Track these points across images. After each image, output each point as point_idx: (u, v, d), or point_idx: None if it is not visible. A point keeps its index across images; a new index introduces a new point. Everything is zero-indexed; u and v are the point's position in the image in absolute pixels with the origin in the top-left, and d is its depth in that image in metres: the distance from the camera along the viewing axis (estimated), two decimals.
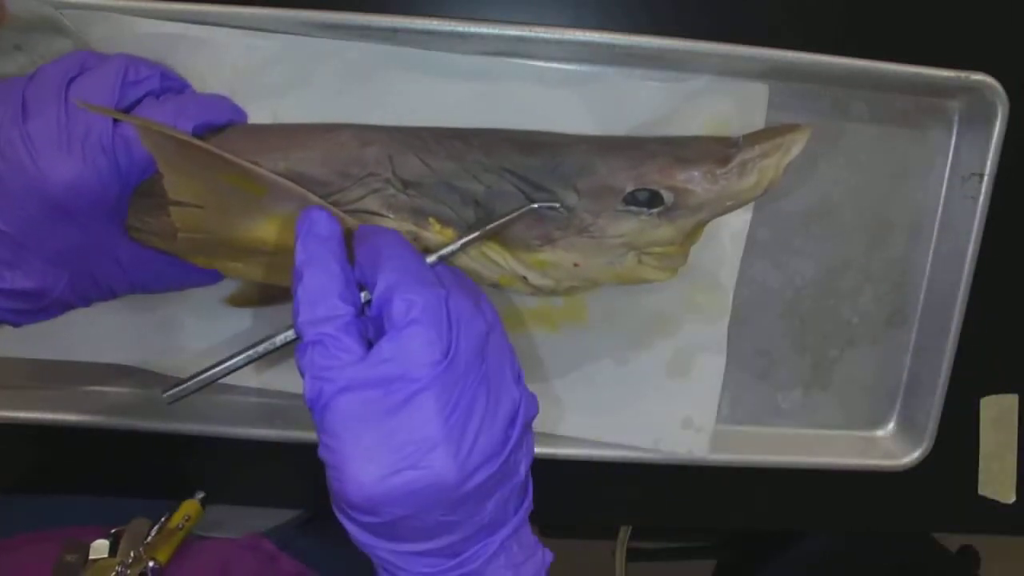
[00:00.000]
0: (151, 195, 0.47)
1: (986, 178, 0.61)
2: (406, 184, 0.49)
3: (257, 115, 0.55)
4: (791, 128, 0.49)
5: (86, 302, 0.51)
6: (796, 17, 0.61)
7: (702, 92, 0.57)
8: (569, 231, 0.49)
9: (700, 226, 0.52)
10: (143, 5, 0.53)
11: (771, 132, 0.50)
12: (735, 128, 0.57)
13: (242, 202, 0.47)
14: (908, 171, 0.64)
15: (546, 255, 0.50)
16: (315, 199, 0.47)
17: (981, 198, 0.61)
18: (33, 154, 0.43)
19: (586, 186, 0.49)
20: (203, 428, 0.63)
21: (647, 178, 0.48)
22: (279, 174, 0.47)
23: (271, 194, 0.47)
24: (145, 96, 0.48)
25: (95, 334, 0.59)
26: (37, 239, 0.46)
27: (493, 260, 0.50)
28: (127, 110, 0.47)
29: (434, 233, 0.49)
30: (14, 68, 0.53)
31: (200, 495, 0.62)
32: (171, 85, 0.51)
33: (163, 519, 0.59)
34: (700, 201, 0.49)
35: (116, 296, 0.52)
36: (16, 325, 0.49)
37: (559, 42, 0.56)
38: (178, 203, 0.47)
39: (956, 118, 0.63)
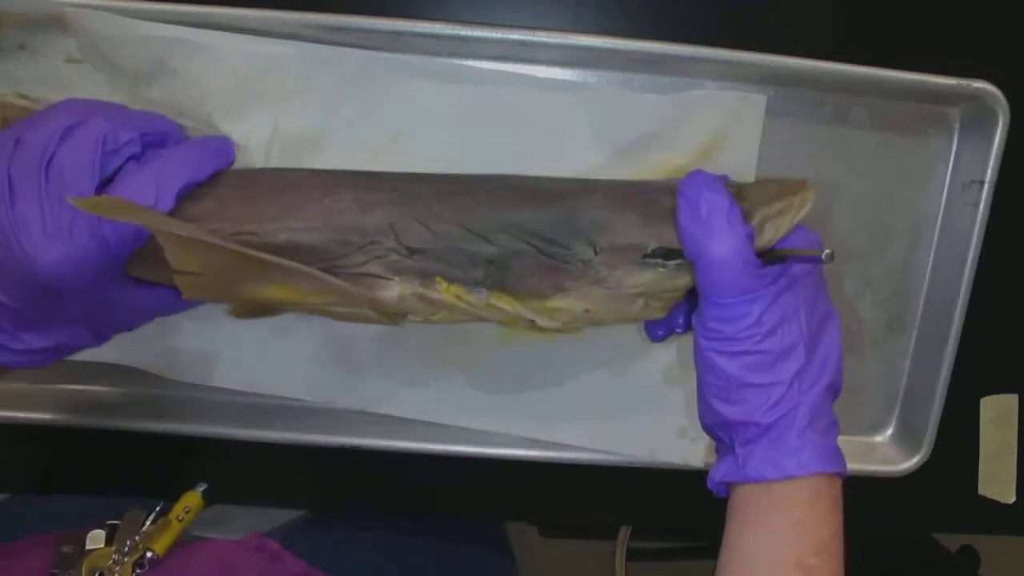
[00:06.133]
0: (152, 255, 0.46)
1: (987, 185, 0.61)
2: (412, 251, 0.49)
3: (258, 124, 0.55)
4: (799, 186, 0.50)
5: (104, 340, 0.52)
6: (798, 24, 0.61)
7: (699, 102, 0.57)
8: (583, 282, 0.49)
9: None
10: (146, 7, 0.53)
11: (779, 187, 0.51)
12: (732, 138, 0.57)
13: (245, 272, 0.47)
14: (909, 178, 0.64)
15: (557, 303, 0.50)
16: (319, 274, 0.47)
17: (981, 205, 0.61)
18: (22, 240, 0.43)
19: (606, 243, 0.49)
20: (203, 428, 0.63)
21: (667, 238, 0.49)
22: (278, 245, 0.47)
23: (274, 270, 0.47)
24: (128, 161, 0.47)
25: None
26: (43, 312, 0.46)
27: (501, 309, 0.50)
28: (111, 177, 0.46)
29: (441, 292, 0.49)
30: (17, 67, 0.54)
31: (202, 487, 0.62)
32: (152, 140, 0.49)
33: (158, 508, 0.59)
34: None
35: (133, 329, 0.53)
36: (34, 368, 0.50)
37: (560, 46, 0.56)
38: (181, 272, 0.46)
39: (957, 125, 0.63)
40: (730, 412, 0.48)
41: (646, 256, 0.49)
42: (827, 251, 0.46)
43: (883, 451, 0.69)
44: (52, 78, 0.54)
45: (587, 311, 0.50)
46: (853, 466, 0.67)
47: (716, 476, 0.51)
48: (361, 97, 0.56)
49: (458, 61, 0.58)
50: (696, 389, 0.52)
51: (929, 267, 0.66)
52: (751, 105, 0.58)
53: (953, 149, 0.63)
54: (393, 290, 0.49)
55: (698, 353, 0.49)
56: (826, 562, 0.47)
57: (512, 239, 0.49)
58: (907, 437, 0.69)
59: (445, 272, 0.49)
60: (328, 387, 0.63)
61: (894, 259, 0.66)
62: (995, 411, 0.71)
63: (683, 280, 0.50)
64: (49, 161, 0.44)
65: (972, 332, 0.64)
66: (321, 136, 0.56)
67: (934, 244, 0.65)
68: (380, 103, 0.56)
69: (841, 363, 0.51)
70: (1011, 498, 0.73)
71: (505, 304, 0.50)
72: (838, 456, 0.49)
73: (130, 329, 0.52)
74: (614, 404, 0.64)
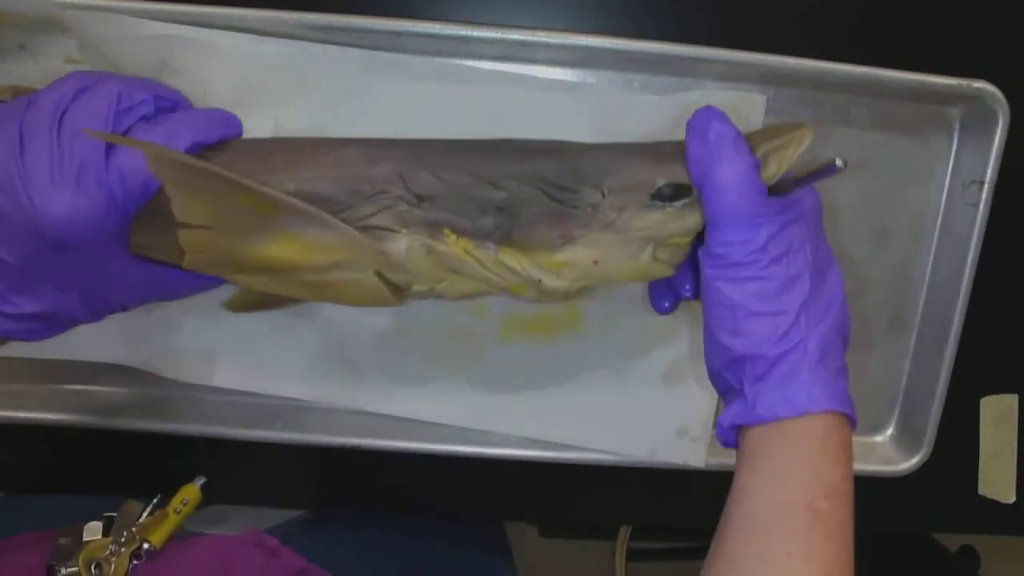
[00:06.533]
0: (157, 215, 0.47)
1: (986, 185, 0.61)
2: (420, 198, 0.49)
3: (260, 122, 0.55)
4: (796, 125, 0.50)
5: (98, 318, 0.51)
6: (798, 24, 0.61)
7: (699, 102, 0.57)
8: (592, 227, 0.49)
9: None
10: (147, 6, 0.53)
11: (779, 129, 0.50)
12: None
13: (252, 221, 0.47)
14: (909, 178, 0.64)
15: (566, 255, 0.50)
16: (329, 218, 0.47)
17: (981, 205, 0.61)
18: (29, 191, 0.43)
19: (614, 183, 0.49)
20: (203, 428, 0.63)
21: (676, 172, 0.49)
22: (288, 194, 0.47)
23: (284, 214, 0.47)
24: (139, 121, 0.48)
25: (95, 334, 0.60)
26: (41, 269, 0.46)
27: (509, 267, 0.50)
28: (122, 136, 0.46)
29: (450, 244, 0.49)
30: (17, 67, 0.54)
31: (200, 480, 0.62)
32: (164, 105, 0.50)
33: (155, 500, 0.59)
34: None
35: (128, 310, 0.53)
36: (30, 340, 0.50)
37: (560, 46, 0.56)
38: (186, 225, 0.47)
39: (957, 125, 0.63)
40: (738, 345, 0.48)
41: (653, 195, 0.49)
42: (839, 160, 0.46)
43: (883, 451, 0.69)
44: (52, 78, 0.54)
45: (596, 262, 0.50)
46: (853, 466, 0.67)
47: (726, 420, 0.50)
48: (361, 96, 0.56)
49: (458, 61, 0.58)
50: (704, 339, 0.51)
51: (929, 267, 0.66)
52: (751, 105, 0.58)
53: (953, 149, 0.63)
54: (401, 242, 0.48)
55: (705, 287, 0.49)
56: (836, 507, 0.46)
57: (522, 185, 0.49)
58: (907, 437, 0.69)
59: (453, 223, 0.49)
60: (328, 387, 0.63)
61: (894, 259, 0.66)
62: (995, 411, 0.71)
63: (691, 220, 0.49)
64: (62, 115, 0.44)
65: (972, 332, 0.64)
66: (322, 134, 0.56)
67: (934, 244, 0.66)
68: (380, 102, 0.56)
69: (847, 309, 0.51)
70: (1011, 498, 0.73)
71: (513, 261, 0.49)
72: (850, 400, 0.48)
73: (124, 309, 0.52)
74: (614, 404, 0.64)
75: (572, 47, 0.56)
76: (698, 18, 0.61)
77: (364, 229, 0.48)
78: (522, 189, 0.49)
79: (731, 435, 0.51)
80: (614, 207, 0.49)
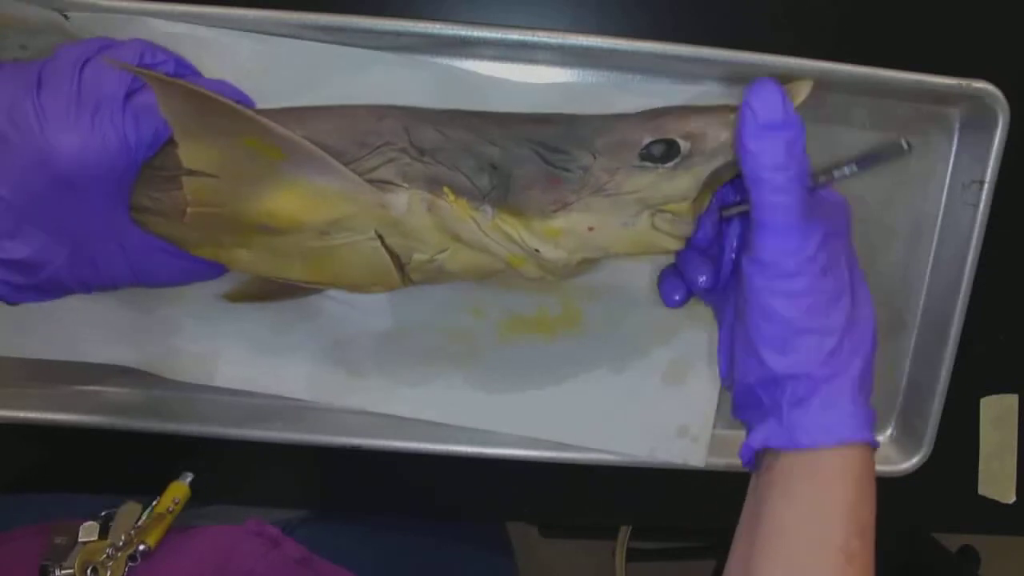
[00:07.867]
0: (162, 168, 0.48)
1: (986, 185, 0.61)
2: (422, 152, 0.49)
3: None
4: (794, 79, 0.49)
5: (87, 288, 0.51)
6: (798, 24, 0.61)
7: (699, 102, 0.57)
8: (584, 192, 0.49)
9: (712, 184, 0.51)
10: (147, 6, 0.53)
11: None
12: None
13: (259, 168, 0.47)
14: (909, 178, 0.64)
15: (560, 222, 0.49)
16: (333, 162, 0.47)
17: (981, 205, 0.61)
18: (43, 123, 0.43)
19: (603, 143, 0.49)
20: (203, 428, 0.63)
21: (664, 128, 0.49)
22: None
23: (290, 159, 0.47)
24: None
25: (95, 334, 0.60)
26: (39, 210, 0.46)
27: (507, 233, 0.49)
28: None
29: (449, 203, 0.49)
30: None
31: (188, 477, 0.62)
32: (183, 73, 0.51)
33: (153, 503, 0.59)
34: (715, 145, 0.48)
35: (117, 286, 0.52)
36: (12, 303, 0.50)
37: (560, 46, 0.56)
38: (192, 172, 0.47)
39: (957, 125, 0.63)
40: (783, 364, 0.46)
41: (643, 156, 0.49)
42: (904, 141, 0.46)
43: (883, 451, 0.69)
44: None
45: (590, 229, 0.49)
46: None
47: (756, 442, 0.48)
48: (361, 96, 0.56)
49: (458, 61, 0.58)
50: (735, 351, 0.50)
51: (929, 267, 0.66)
52: None
53: (953, 149, 0.63)
54: (402, 196, 0.49)
55: (750, 298, 0.46)
56: (866, 547, 0.45)
57: (517, 144, 0.49)
58: (907, 437, 0.69)
59: (453, 181, 0.49)
60: (328, 387, 0.63)
61: (894, 259, 0.66)
62: (995, 411, 0.71)
63: (683, 182, 0.49)
64: (85, 63, 0.45)
65: (972, 332, 0.64)
66: None
67: (934, 244, 0.65)
68: (380, 102, 0.56)
69: (876, 325, 0.49)
70: (1011, 498, 0.73)
71: (509, 227, 0.49)
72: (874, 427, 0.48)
73: (114, 286, 0.52)
74: (614, 404, 0.64)
75: (572, 47, 0.56)
76: (697, 18, 0.61)
77: (369, 183, 0.49)
78: (517, 148, 0.49)
79: (754, 458, 0.49)
80: (605, 169, 0.49)
